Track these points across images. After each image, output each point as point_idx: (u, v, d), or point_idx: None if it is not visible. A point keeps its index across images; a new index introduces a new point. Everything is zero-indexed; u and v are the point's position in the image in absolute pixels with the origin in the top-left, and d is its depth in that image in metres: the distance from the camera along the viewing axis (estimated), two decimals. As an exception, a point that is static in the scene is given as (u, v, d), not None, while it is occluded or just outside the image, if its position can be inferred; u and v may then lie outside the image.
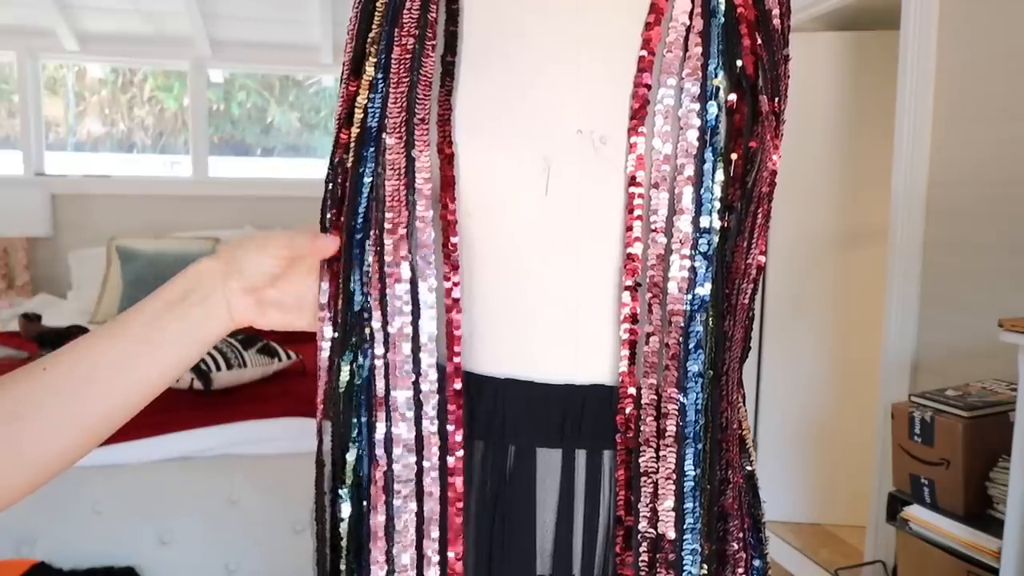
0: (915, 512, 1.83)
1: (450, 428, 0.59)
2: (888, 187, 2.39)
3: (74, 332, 2.78)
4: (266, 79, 4.62)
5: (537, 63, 0.60)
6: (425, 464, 0.58)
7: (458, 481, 0.59)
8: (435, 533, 0.58)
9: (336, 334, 0.62)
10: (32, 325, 3.02)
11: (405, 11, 0.60)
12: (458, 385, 0.59)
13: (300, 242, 0.61)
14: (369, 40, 0.61)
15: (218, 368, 2.32)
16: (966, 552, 1.68)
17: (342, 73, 0.64)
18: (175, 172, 4.54)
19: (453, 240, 0.59)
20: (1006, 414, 1.67)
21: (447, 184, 0.58)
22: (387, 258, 0.58)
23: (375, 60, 0.60)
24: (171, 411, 2.18)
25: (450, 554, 0.59)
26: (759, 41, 0.58)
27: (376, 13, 0.62)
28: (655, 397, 0.57)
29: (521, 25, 0.61)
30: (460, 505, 0.59)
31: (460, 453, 0.59)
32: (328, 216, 0.63)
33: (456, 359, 0.59)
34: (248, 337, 2.53)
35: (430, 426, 0.58)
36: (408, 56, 0.59)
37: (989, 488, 1.70)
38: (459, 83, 0.60)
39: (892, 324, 2.34)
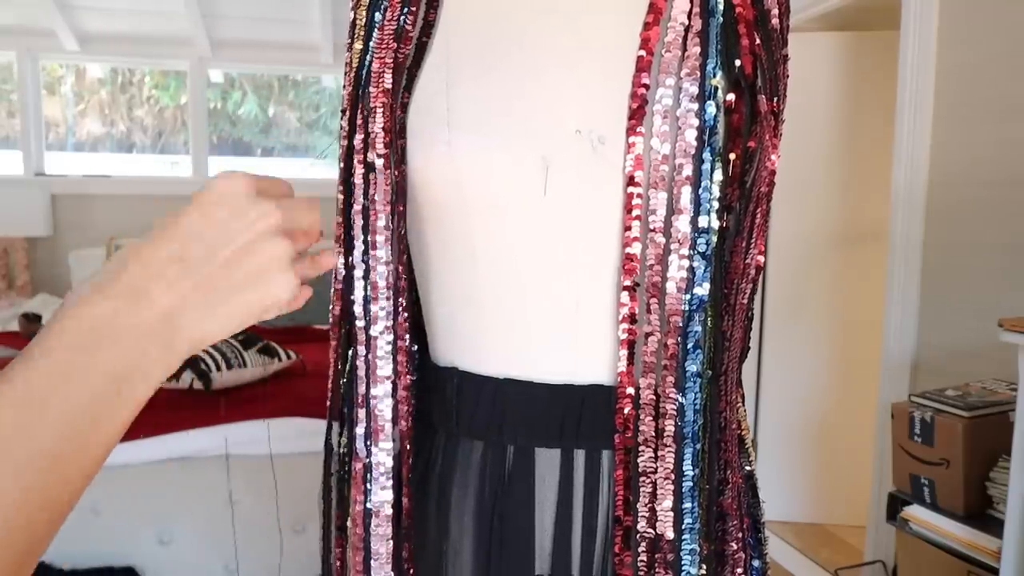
0: (915, 512, 1.83)
1: (402, 424, 0.63)
2: (888, 187, 2.39)
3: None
4: (265, 79, 4.62)
5: (536, 63, 0.59)
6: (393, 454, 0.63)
7: (407, 473, 0.63)
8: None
9: (343, 327, 0.66)
10: (32, 325, 3.01)
11: (386, 21, 0.62)
12: (409, 381, 0.63)
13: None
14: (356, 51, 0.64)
15: (218, 368, 2.31)
16: (966, 552, 1.68)
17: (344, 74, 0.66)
18: (175, 172, 4.54)
19: (409, 251, 0.63)
20: (1006, 414, 1.67)
21: (400, 197, 0.61)
22: (370, 262, 0.62)
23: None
24: (171, 411, 2.18)
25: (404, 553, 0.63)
26: (758, 41, 0.58)
27: (358, 20, 0.64)
28: (654, 397, 0.57)
29: (520, 25, 0.61)
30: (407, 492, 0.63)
31: (405, 447, 0.63)
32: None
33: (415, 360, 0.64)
34: (248, 337, 2.53)
35: (402, 420, 0.63)
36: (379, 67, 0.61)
37: (989, 488, 1.70)
38: (457, 84, 0.60)
39: (892, 324, 2.34)
